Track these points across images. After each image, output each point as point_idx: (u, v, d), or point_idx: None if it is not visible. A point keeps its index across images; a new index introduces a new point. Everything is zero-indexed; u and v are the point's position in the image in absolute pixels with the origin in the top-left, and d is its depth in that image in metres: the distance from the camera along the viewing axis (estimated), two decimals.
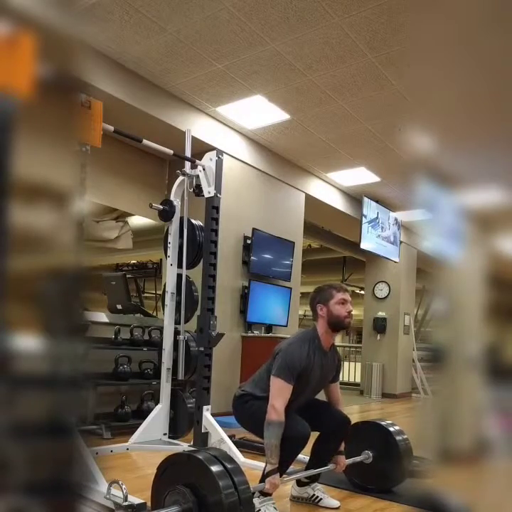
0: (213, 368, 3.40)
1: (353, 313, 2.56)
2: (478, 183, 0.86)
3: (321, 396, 2.74)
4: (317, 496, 2.65)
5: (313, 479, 2.69)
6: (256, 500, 2.42)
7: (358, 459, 2.84)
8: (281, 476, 2.35)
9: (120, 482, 2.21)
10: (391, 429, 2.92)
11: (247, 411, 2.54)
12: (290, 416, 2.35)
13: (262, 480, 2.34)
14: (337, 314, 2.51)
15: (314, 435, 2.65)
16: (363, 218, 7.22)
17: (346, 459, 2.73)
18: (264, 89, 4.66)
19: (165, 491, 1.92)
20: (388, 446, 2.85)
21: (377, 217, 7.58)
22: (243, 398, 2.57)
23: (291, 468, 3.11)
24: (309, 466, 2.67)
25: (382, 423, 2.97)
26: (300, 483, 2.71)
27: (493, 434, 0.85)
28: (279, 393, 2.35)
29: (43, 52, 0.65)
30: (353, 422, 2.96)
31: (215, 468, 1.84)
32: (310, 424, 2.41)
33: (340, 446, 2.67)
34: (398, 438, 2.87)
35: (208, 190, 3.45)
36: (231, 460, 1.94)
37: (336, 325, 2.52)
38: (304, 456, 2.77)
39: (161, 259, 7.55)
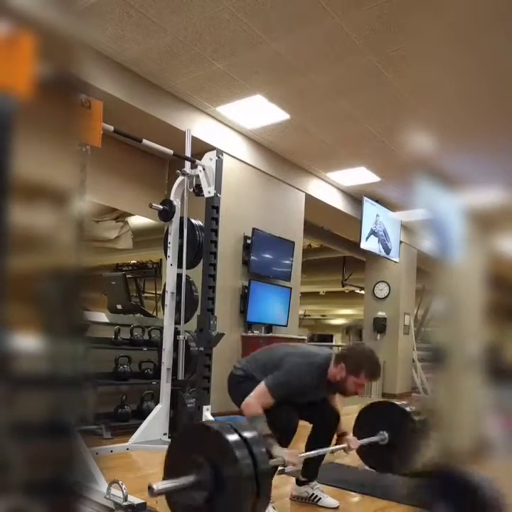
0: (213, 367, 3.40)
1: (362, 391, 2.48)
2: (478, 183, 0.86)
3: None
4: (316, 496, 2.64)
5: (311, 477, 2.68)
6: None
7: (373, 439, 2.72)
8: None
9: (120, 482, 2.21)
10: (407, 409, 2.80)
11: (242, 391, 2.52)
12: (280, 406, 2.34)
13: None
14: (346, 388, 2.40)
15: (306, 432, 2.65)
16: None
17: (360, 439, 2.64)
18: (264, 89, 4.66)
19: (180, 461, 1.82)
20: (405, 426, 2.72)
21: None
22: (240, 384, 2.55)
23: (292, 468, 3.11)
24: (306, 463, 2.67)
25: (398, 403, 2.88)
26: (299, 482, 2.71)
27: (494, 433, 0.84)
28: (260, 398, 2.32)
29: (43, 52, 0.65)
30: (352, 422, 2.96)
31: (231, 439, 1.73)
32: (300, 413, 2.41)
33: (337, 428, 2.63)
34: (415, 418, 2.72)
35: (208, 190, 3.44)
36: (250, 430, 1.82)
37: (339, 389, 2.45)
38: None
39: (161, 259, 7.55)
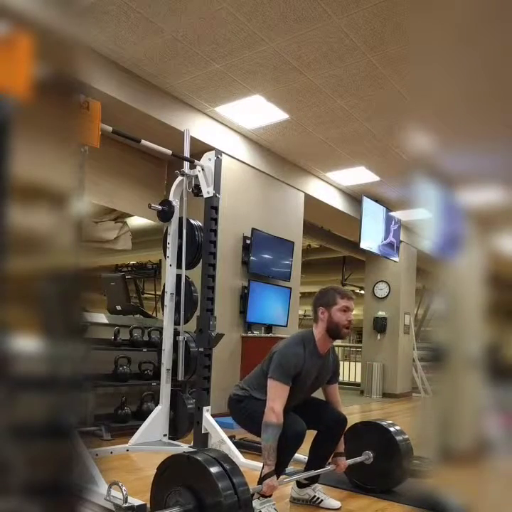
0: (213, 368, 3.40)
1: (352, 321, 2.53)
2: (478, 182, 0.86)
3: (319, 395, 2.74)
4: (318, 497, 2.64)
5: (313, 480, 2.68)
6: (256, 502, 2.42)
7: (358, 459, 2.83)
8: (278, 477, 2.34)
9: (120, 483, 2.21)
10: (391, 429, 2.91)
11: (245, 412, 2.54)
12: (285, 414, 2.35)
13: (260, 482, 2.34)
14: (337, 321, 2.49)
15: (311, 434, 2.65)
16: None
17: (347, 459, 2.72)
18: (263, 88, 4.66)
19: (165, 492, 1.93)
20: (388, 446, 2.85)
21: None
22: (240, 402, 2.57)
23: (291, 468, 3.11)
24: (308, 466, 2.67)
25: (383, 423, 2.97)
26: (300, 484, 2.70)
27: (494, 433, 0.84)
28: (277, 395, 2.34)
29: (41, 53, 0.65)
30: (353, 422, 2.96)
31: (214, 470, 1.85)
32: (306, 422, 2.40)
33: (337, 446, 2.67)
34: (398, 438, 2.86)
35: (207, 191, 3.44)
36: (230, 461, 1.95)
37: (333, 332, 2.51)
38: (303, 456, 2.77)
39: (160, 260, 7.55)
